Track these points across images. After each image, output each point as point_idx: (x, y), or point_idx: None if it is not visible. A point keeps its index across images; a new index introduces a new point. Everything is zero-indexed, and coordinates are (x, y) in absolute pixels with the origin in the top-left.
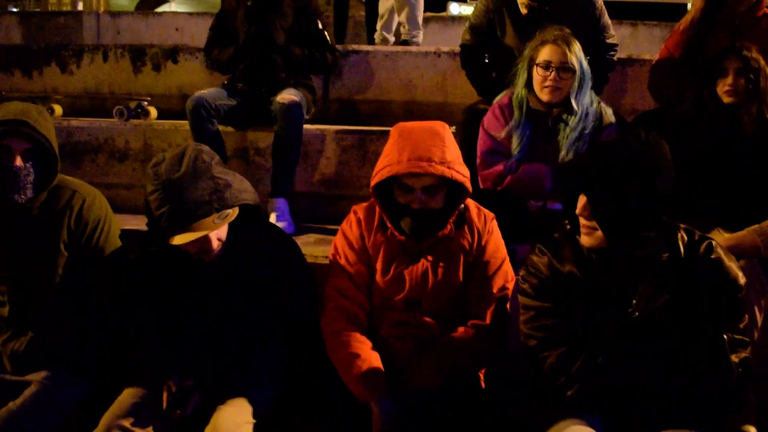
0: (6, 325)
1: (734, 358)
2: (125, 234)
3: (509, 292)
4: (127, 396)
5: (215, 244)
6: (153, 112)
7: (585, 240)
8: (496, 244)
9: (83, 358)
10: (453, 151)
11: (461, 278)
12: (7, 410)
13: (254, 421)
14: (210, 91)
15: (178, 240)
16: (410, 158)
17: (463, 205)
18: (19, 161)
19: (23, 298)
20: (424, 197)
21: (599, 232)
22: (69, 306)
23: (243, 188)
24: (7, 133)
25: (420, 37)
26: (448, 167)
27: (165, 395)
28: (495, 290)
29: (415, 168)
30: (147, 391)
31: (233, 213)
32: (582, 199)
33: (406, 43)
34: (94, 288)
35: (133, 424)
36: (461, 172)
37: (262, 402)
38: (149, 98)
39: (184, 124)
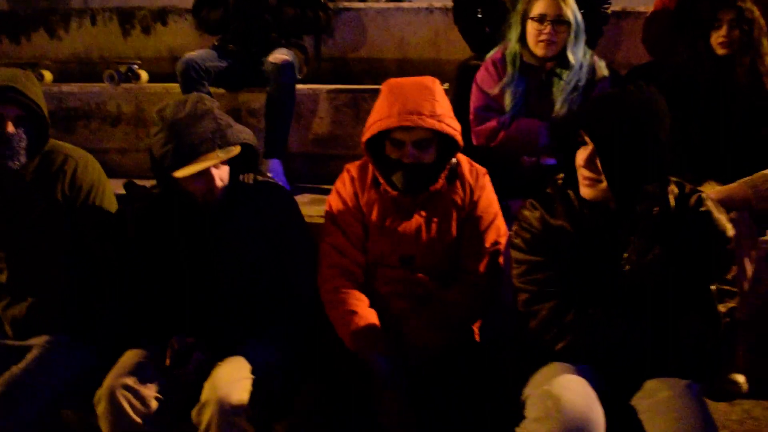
0: (5, 291)
1: (722, 308)
2: (131, 185)
3: (501, 247)
4: (130, 356)
5: (218, 182)
6: (144, 75)
7: (586, 192)
8: (488, 199)
9: (85, 323)
10: (443, 105)
11: (454, 233)
12: (10, 374)
13: (252, 377)
14: (200, 52)
15: (182, 173)
16: (400, 112)
17: (455, 161)
18: (11, 128)
19: (21, 264)
20: (415, 151)
21: (603, 184)
22: (68, 271)
23: (243, 129)
24: None
25: None
26: (438, 120)
27: (168, 353)
28: (488, 245)
29: (405, 121)
30: (150, 350)
31: (235, 150)
32: (585, 151)
33: None
34: (92, 250)
35: (136, 383)
36: (452, 126)
37: (262, 358)
38: (139, 62)
39: (176, 87)
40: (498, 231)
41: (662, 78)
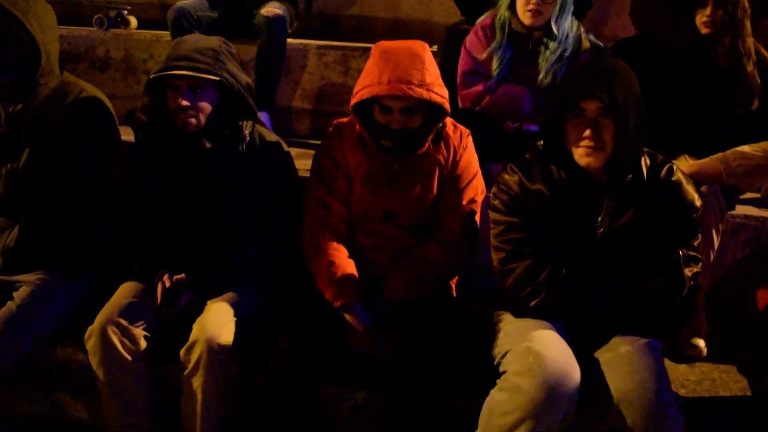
0: None
1: (687, 272)
2: (131, 115)
3: (478, 206)
4: (121, 294)
5: (184, 103)
6: (133, 21)
7: (585, 160)
8: (468, 159)
9: (76, 257)
10: (432, 73)
11: (435, 191)
12: (4, 311)
13: (236, 319)
14: (192, 1)
15: (154, 74)
16: (390, 80)
17: (440, 124)
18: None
19: (11, 194)
20: (403, 118)
21: (604, 152)
22: (57, 203)
23: (240, 76)
24: None
25: None
26: (427, 89)
27: (159, 290)
28: (465, 202)
29: (395, 90)
30: (141, 288)
31: (208, 77)
32: (585, 121)
33: None
34: (83, 184)
35: (127, 320)
36: (440, 94)
37: (248, 300)
38: (129, 7)
39: (166, 35)
40: (476, 189)
41: (646, 53)
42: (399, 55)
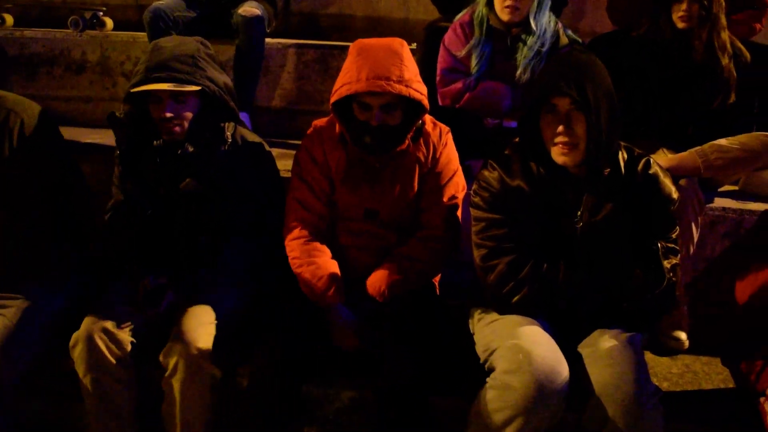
0: None
1: (666, 263)
2: (112, 117)
3: (459, 201)
4: (107, 299)
5: (167, 115)
6: (109, 23)
7: (562, 159)
8: (449, 156)
9: (56, 272)
10: (411, 69)
11: (416, 189)
12: (4, 329)
13: (216, 322)
14: (168, 1)
15: (137, 89)
16: (368, 77)
17: (420, 121)
18: None
19: None
20: (382, 115)
21: (579, 149)
22: (30, 222)
23: (221, 80)
24: None
25: None
26: (406, 86)
27: (140, 292)
28: (445, 199)
29: (373, 87)
30: (124, 293)
31: (189, 87)
32: (558, 118)
33: None
34: (54, 198)
35: (113, 326)
36: (419, 90)
37: (228, 303)
38: (104, 8)
39: (143, 36)
40: (456, 186)
41: (624, 48)
42: (377, 52)
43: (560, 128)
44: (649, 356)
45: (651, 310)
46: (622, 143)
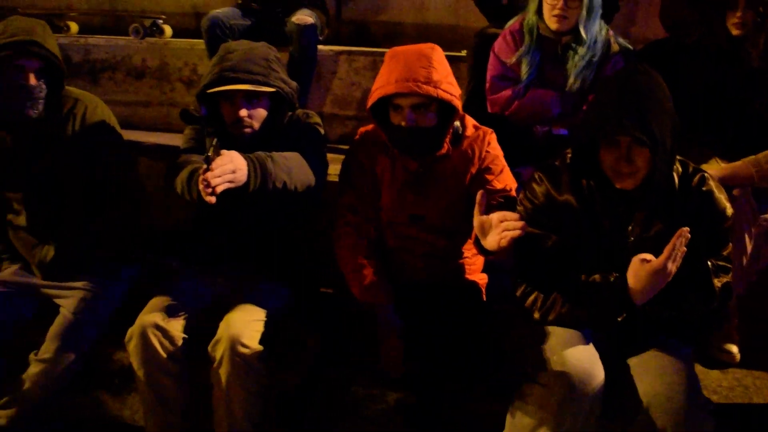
0: (27, 233)
1: (717, 282)
2: (185, 113)
3: (513, 194)
4: (161, 295)
5: (243, 113)
6: (168, 30)
7: (620, 184)
8: (494, 155)
9: (112, 264)
10: (441, 72)
11: (462, 193)
12: (63, 319)
13: (264, 319)
14: (225, 10)
15: (213, 89)
16: (398, 79)
17: (458, 124)
18: (32, 80)
19: (38, 206)
20: (413, 115)
21: (639, 177)
22: (88, 212)
23: (289, 83)
24: (20, 53)
25: None
26: (435, 87)
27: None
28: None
29: (402, 88)
30: (176, 289)
31: (265, 89)
32: (619, 150)
33: None
34: (111, 190)
35: (165, 321)
36: (448, 91)
37: (276, 302)
38: (164, 16)
39: (200, 43)
40: (506, 180)
41: (677, 56)
42: (407, 56)
43: (622, 165)
44: (699, 369)
45: (700, 326)
46: (678, 157)
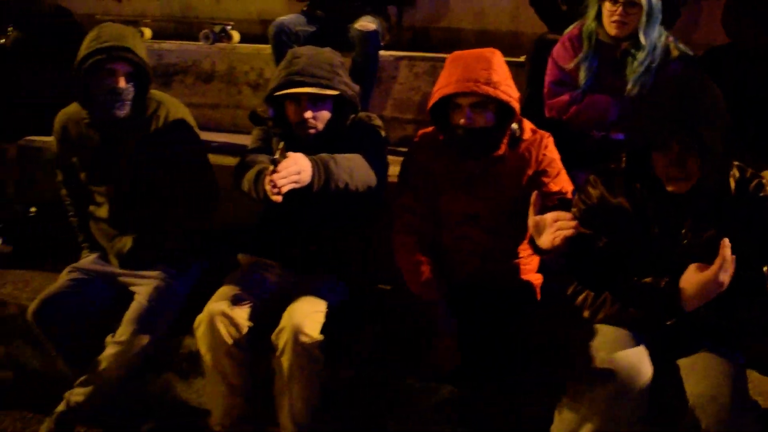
0: (107, 224)
1: None
2: (254, 115)
3: (569, 196)
4: (228, 284)
5: (308, 115)
6: (236, 36)
7: (671, 188)
8: (551, 158)
9: (186, 255)
10: (500, 74)
11: (518, 194)
12: (138, 305)
13: (323, 311)
14: (290, 17)
15: (280, 92)
16: (458, 80)
17: (516, 126)
18: (123, 83)
19: (120, 200)
20: (471, 114)
21: (691, 181)
22: (166, 207)
23: (353, 87)
24: (112, 58)
25: None
26: (494, 87)
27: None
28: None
29: (461, 88)
30: (243, 280)
31: (329, 92)
32: (670, 155)
33: None
34: (191, 188)
35: (232, 309)
36: (507, 92)
37: (337, 295)
38: (232, 23)
39: (266, 48)
40: (562, 183)
41: (736, 62)
42: (467, 59)
43: (674, 170)
44: (754, 375)
45: (756, 335)
46: (735, 162)
